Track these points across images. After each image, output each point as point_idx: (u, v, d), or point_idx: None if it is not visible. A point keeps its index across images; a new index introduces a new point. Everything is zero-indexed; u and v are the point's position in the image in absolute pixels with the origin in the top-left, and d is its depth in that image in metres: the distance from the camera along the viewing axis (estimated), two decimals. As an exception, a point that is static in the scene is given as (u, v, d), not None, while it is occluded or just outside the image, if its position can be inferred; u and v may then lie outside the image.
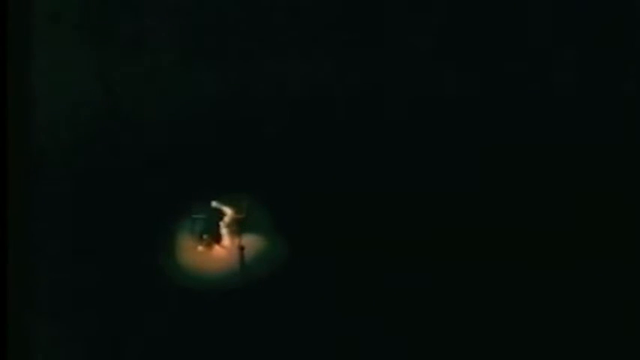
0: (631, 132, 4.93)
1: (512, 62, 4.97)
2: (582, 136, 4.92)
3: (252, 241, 4.90)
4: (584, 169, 4.90)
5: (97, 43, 4.89)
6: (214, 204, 4.88)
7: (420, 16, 4.95)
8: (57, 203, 4.82)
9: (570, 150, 4.92)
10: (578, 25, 4.96)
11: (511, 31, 4.97)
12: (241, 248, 4.88)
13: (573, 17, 4.96)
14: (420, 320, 4.81)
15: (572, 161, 4.91)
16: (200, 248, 4.91)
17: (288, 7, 4.93)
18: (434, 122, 4.93)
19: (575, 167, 4.91)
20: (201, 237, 4.92)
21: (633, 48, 4.97)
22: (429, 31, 4.95)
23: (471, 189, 4.88)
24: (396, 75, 4.95)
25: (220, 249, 4.92)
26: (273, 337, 4.79)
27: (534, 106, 4.94)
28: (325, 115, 4.92)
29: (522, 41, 4.97)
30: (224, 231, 4.91)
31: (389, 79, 4.94)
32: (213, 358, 4.79)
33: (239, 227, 4.90)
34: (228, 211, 4.89)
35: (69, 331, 4.78)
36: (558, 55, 4.96)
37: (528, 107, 4.94)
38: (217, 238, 4.92)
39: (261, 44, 4.92)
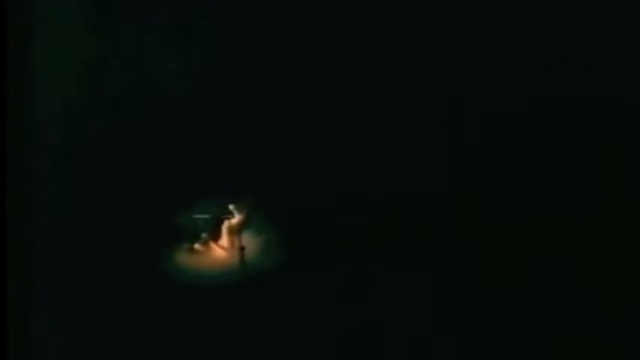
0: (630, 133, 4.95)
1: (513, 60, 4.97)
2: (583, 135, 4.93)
3: (252, 241, 4.89)
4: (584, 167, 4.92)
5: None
6: (231, 207, 4.87)
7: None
8: (56, 203, 4.82)
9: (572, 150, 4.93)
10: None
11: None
12: (242, 248, 4.88)
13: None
14: (421, 321, 4.81)
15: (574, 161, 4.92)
16: (199, 248, 4.90)
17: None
18: (436, 121, 4.92)
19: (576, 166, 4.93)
20: (200, 237, 4.91)
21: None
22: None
23: (474, 188, 4.88)
24: (396, 75, 4.94)
25: (220, 249, 4.91)
26: (273, 337, 4.79)
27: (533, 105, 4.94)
28: (326, 115, 4.91)
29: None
30: (225, 231, 4.90)
31: (389, 79, 4.94)
32: (214, 358, 4.79)
33: (240, 228, 4.89)
34: (238, 215, 4.87)
35: (69, 330, 4.78)
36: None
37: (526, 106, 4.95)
38: (217, 239, 4.91)
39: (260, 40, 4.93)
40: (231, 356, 4.78)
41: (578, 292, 4.82)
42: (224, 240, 4.91)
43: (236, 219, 4.88)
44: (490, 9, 4.92)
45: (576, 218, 4.86)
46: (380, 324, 4.81)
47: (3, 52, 4.75)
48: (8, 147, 4.74)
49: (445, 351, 4.79)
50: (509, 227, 4.85)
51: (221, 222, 4.89)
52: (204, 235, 4.89)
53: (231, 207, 4.86)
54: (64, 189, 4.81)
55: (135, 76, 4.87)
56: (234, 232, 4.90)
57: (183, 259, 4.85)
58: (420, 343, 4.80)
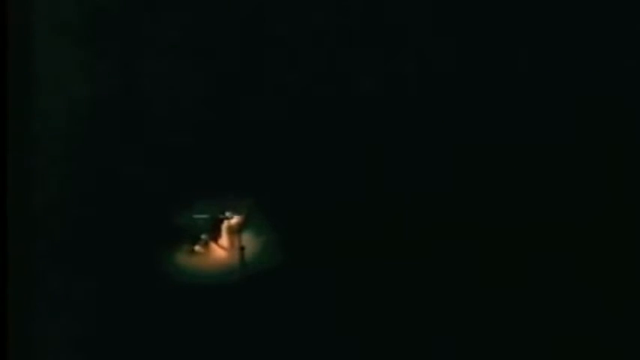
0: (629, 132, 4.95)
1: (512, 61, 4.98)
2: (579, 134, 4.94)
3: (252, 242, 4.89)
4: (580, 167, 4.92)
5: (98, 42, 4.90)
6: (228, 213, 4.87)
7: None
8: (56, 203, 4.82)
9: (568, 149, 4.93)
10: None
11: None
12: (241, 248, 4.87)
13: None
14: (422, 320, 4.81)
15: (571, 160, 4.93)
16: (199, 250, 4.89)
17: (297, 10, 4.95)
18: (436, 122, 4.93)
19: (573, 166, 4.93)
20: (200, 238, 4.90)
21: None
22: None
23: (474, 189, 4.88)
24: (394, 75, 4.95)
25: (220, 249, 4.91)
26: (273, 336, 4.79)
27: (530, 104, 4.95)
28: (326, 116, 4.91)
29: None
30: (225, 231, 4.90)
31: (388, 80, 4.94)
32: (213, 358, 4.79)
33: (240, 228, 4.89)
34: (237, 216, 4.87)
35: (68, 331, 4.78)
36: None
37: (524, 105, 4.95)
38: (217, 238, 4.91)
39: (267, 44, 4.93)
40: (231, 356, 4.78)
41: (578, 292, 4.82)
42: (224, 240, 4.91)
43: (235, 219, 4.88)
44: (489, 9, 4.93)
45: (576, 218, 4.86)
46: (380, 323, 4.81)
47: (3, 52, 4.75)
48: (8, 147, 4.74)
49: (445, 350, 4.79)
50: (509, 227, 4.85)
51: (220, 222, 4.89)
52: (203, 236, 4.89)
53: (227, 214, 4.86)
54: (64, 189, 4.81)
55: (135, 76, 4.87)
56: (234, 232, 4.89)
57: (184, 259, 4.85)
58: (420, 342, 4.79)
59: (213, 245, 4.91)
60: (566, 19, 4.94)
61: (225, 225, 4.89)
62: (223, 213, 4.87)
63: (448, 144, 4.91)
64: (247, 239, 4.88)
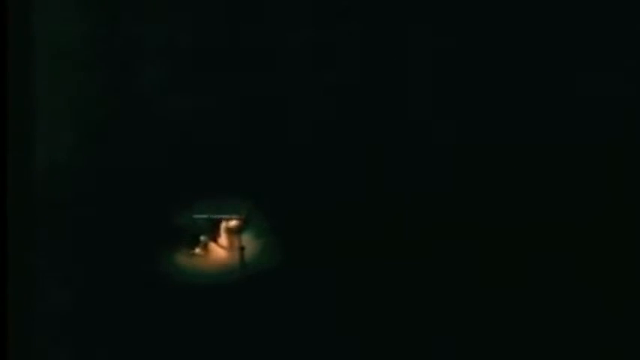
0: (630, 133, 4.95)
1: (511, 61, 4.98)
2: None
3: (252, 242, 4.89)
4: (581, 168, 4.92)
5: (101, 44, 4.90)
6: (227, 214, 4.87)
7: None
8: (57, 203, 4.82)
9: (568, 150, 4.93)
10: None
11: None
12: (241, 249, 4.87)
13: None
14: (421, 321, 4.81)
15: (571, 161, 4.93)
16: (199, 252, 4.89)
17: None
18: (435, 121, 4.93)
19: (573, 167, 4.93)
20: (199, 238, 4.90)
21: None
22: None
23: (474, 188, 4.88)
24: (394, 74, 4.95)
25: (220, 250, 4.91)
26: (273, 337, 4.79)
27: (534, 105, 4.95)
28: (325, 117, 4.91)
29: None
30: (224, 232, 4.90)
31: (388, 79, 4.94)
32: (213, 358, 4.78)
33: (240, 228, 4.89)
34: (237, 218, 4.87)
35: (68, 330, 4.78)
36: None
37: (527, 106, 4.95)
38: (217, 238, 4.91)
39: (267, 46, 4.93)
40: (231, 356, 4.78)
41: (578, 292, 4.82)
42: (223, 240, 4.91)
43: (235, 220, 4.88)
44: (489, 8, 4.93)
45: (576, 218, 4.86)
46: (380, 323, 4.81)
47: (3, 51, 4.76)
48: (8, 147, 4.74)
49: (445, 351, 4.79)
50: (509, 227, 4.85)
51: (220, 222, 4.89)
52: (203, 237, 4.89)
53: (227, 214, 4.86)
54: (64, 189, 4.81)
55: (135, 76, 4.87)
56: (234, 232, 4.90)
57: (184, 259, 4.85)
58: (420, 343, 4.79)
59: (213, 245, 4.90)
60: (566, 18, 4.94)
61: (224, 225, 4.89)
62: (223, 213, 4.87)
63: (448, 144, 4.91)
64: (247, 240, 4.88)
